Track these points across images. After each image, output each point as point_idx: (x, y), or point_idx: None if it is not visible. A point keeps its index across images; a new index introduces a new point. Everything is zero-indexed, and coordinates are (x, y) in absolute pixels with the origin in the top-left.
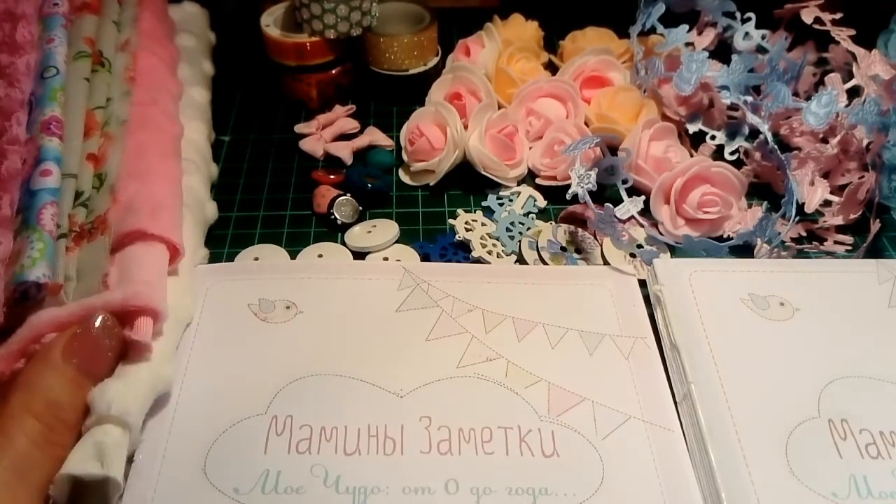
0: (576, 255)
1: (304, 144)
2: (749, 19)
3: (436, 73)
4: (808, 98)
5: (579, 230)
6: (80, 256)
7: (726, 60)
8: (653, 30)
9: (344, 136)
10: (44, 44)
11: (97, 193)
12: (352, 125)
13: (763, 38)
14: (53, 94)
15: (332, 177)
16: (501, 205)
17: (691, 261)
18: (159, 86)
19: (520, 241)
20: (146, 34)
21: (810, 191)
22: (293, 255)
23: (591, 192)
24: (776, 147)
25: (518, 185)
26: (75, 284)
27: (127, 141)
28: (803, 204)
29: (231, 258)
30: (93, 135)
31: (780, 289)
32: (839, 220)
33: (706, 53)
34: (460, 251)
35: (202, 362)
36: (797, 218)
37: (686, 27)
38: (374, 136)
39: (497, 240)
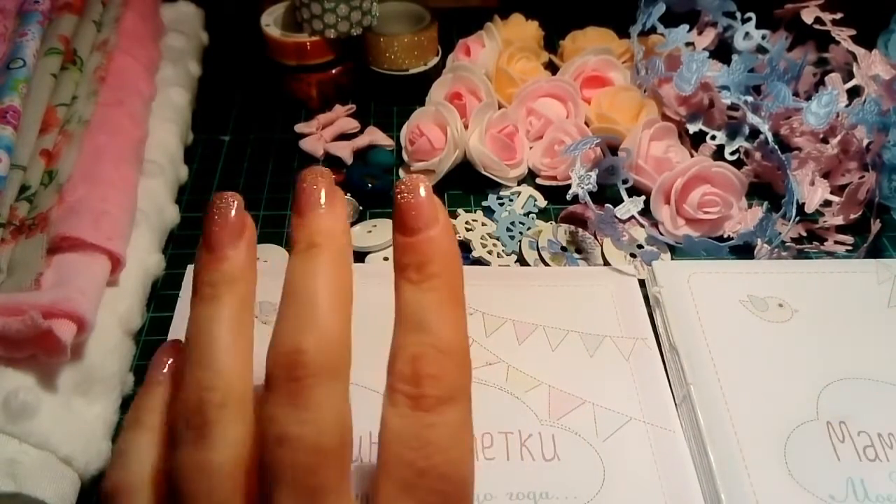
0: (576, 255)
1: (305, 144)
2: (749, 19)
3: (436, 72)
4: (809, 98)
5: (579, 230)
6: (15, 251)
7: (726, 60)
8: (653, 30)
9: (344, 136)
10: (16, 37)
11: (44, 190)
12: (352, 125)
13: (763, 38)
14: (15, 84)
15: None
16: (502, 205)
17: (690, 263)
18: (129, 87)
19: (520, 241)
20: (126, 34)
21: (810, 191)
22: None
23: (591, 192)
24: (776, 147)
25: (518, 184)
26: (4, 278)
27: (85, 142)
28: (803, 204)
29: None
30: (51, 131)
31: (778, 290)
32: (839, 220)
33: (706, 53)
34: (460, 251)
35: None
36: (797, 218)
37: (686, 27)
38: (375, 135)
39: (497, 240)
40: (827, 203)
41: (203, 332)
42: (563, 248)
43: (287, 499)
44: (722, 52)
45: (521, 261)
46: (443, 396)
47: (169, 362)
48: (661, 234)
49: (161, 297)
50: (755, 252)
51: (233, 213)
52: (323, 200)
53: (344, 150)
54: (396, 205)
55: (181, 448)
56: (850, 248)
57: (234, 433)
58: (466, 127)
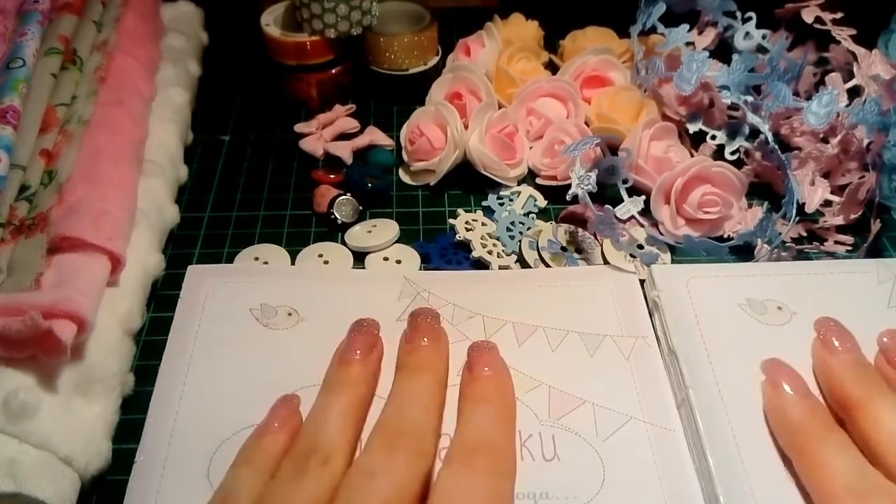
0: (576, 255)
1: (305, 144)
2: (749, 19)
3: (436, 72)
4: (809, 98)
5: (579, 230)
6: (15, 251)
7: (727, 60)
8: (653, 29)
9: (344, 136)
10: (16, 38)
11: (44, 190)
12: (352, 125)
13: (764, 37)
14: (15, 84)
15: (332, 176)
16: (502, 204)
17: (689, 267)
18: (129, 87)
19: (520, 241)
20: (126, 35)
21: (811, 191)
22: (293, 255)
23: (591, 192)
24: (776, 147)
25: (518, 184)
26: (4, 278)
27: (85, 142)
28: (804, 204)
29: (231, 258)
30: (51, 131)
31: (777, 293)
32: (839, 220)
33: (707, 53)
34: (460, 251)
35: (203, 365)
36: (797, 218)
37: (686, 27)
38: (375, 135)
39: (497, 240)
40: (827, 203)
41: (320, 413)
42: (563, 248)
43: None
44: (722, 52)
45: (521, 261)
46: (491, 469)
47: (286, 412)
48: (661, 234)
49: (161, 297)
50: (755, 252)
51: (369, 335)
52: (426, 340)
53: (344, 150)
54: (470, 348)
55: (278, 480)
56: (850, 248)
57: (326, 483)
58: (466, 127)
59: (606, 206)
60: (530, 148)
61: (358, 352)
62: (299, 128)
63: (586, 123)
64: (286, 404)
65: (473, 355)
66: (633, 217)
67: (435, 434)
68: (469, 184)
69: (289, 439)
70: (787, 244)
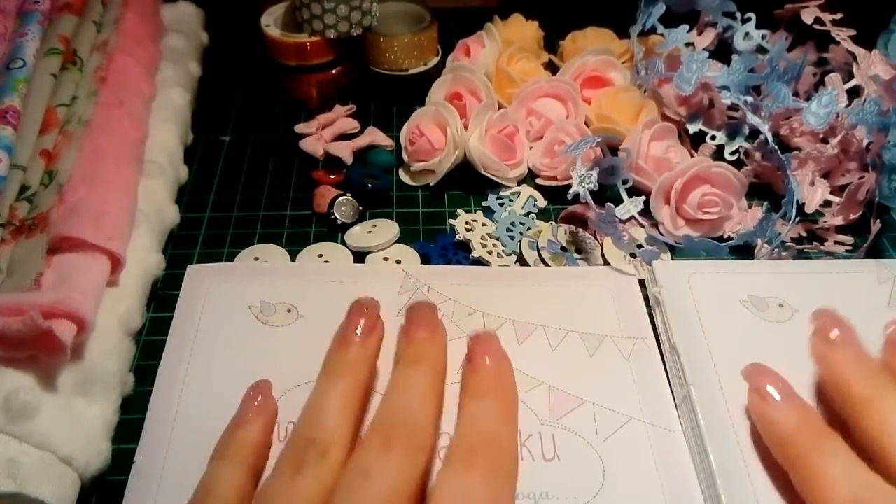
0: (576, 255)
1: (305, 144)
2: (749, 19)
3: (436, 73)
4: (809, 98)
5: (580, 230)
6: (15, 251)
7: (726, 60)
8: (653, 30)
9: (344, 136)
10: (16, 38)
11: (44, 190)
12: (352, 125)
13: (763, 38)
14: (16, 84)
15: (332, 177)
16: (502, 205)
17: (690, 263)
18: (129, 87)
19: (520, 241)
20: (127, 35)
21: (810, 191)
22: (293, 255)
23: (591, 192)
24: (776, 147)
25: (518, 185)
26: (4, 278)
27: (85, 142)
28: (803, 204)
29: (231, 258)
30: (51, 131)
31: (779, 290)
32: (839, 221)
33: (706, 53)
34: (460, 251)
35: (203, 364)
36: (797, 218)
37: (686, 27)
38: (375, 136)
39: (497, 240)
40: (827, 203)
41: (318, 400)
42: (563, 248)
43: None
44: (722, 52)
45: (521, 261)
46: (492, 469)
47: (258, 400)
48: (661, 234)
49: (161, 297)
50: (755, 252)
51: (369, 315)
52: (423, 331)
53: (344, 150)
54: (471, 339)
55: (276, 477)
56: (850, 248)
57: (325, 478)
58: (466, 127)
59: (608, 204)
60: (530, 148)
61: (358, 332)
62: (299, 128)
63: (586, 124)
64: (258, 392)
65: (474, 346)
66: (633, 217)
67: (433, 427)
68: (469, 184)
69: (264, 428)
70: (787, 244)
